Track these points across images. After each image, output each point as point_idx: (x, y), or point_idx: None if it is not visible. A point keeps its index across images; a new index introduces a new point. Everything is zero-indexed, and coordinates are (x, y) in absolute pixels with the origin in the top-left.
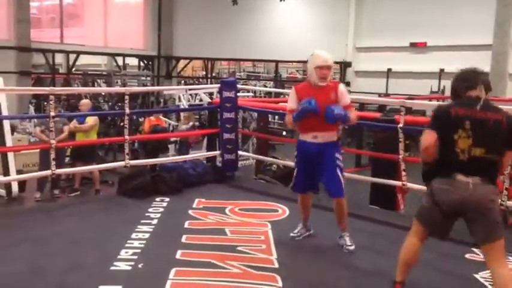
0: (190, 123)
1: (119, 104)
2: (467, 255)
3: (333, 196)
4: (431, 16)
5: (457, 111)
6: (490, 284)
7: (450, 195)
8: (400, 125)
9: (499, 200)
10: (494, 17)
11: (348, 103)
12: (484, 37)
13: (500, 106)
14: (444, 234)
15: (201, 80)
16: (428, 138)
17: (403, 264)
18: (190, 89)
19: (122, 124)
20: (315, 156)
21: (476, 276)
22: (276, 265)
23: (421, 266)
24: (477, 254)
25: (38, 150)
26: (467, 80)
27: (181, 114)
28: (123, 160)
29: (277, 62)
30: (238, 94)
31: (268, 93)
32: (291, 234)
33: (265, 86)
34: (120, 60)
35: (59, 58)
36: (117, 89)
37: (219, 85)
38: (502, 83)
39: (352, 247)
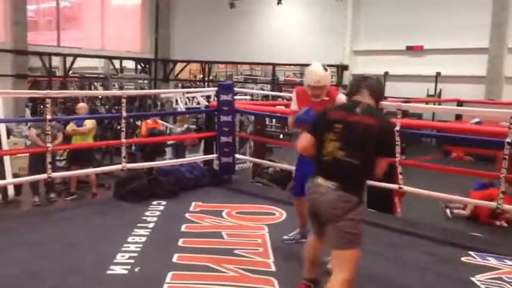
0: (185, 126)
1: (116, 107)
2: (463, 259)
3: None
4: (427, 19)
5: (333, 114)
6: (486, 287)
7: (310, 196)
8: (397, 128)
9: (359, 210)
10: (490, 20)
11: None
12: (480, 40)
13: (495, 110)
14: (319, 235)
15: (198, 83)
16: (303, 141)
17: (306, 262)
18: (187, 92)
19: (118, 127)
20: None
21: (473, 279)
22: (273, 268)
23: (418, 268)
24: (474, 258)
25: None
26: (352, 85)
27: (178, 117)
28: (120, 163)
29: (274, 65)
30: (235, 97)
31: (266, 97)
32: (284, 237)
33: (262, 89)
34: (117, 63)
35: (56, 61)
36: (113, 92)
37: (216, 88)
38: (497, 86)
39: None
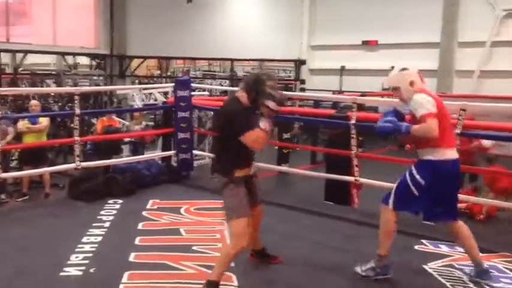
0: (143, 123)
1: (70, 105)
2: (416, 247)
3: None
4: (382, 15)
5: None
6: (438, 274)
7: None
8: (353, 121)
9: (231, 186)
10: (441, 15)
11: None
12: (432, 35)
13: (445, 102)
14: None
15: (155, 79)
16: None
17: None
18: (144, 89)
19: (72, 125)
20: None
21: (425, 267)
22: (232, 264)
23: (373, 257)
24: (426, 246)
25: None
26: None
27: (135, 114)
28: (74, 162)
29: (232, 60)
30: (193, 93)
31: (224, 92)
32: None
33: (221, 85)
34: (70, 59)
35: (6, 58)
36: (66, 89)
37: (173, 84)
38: (448, 79)
39: (363, 273)
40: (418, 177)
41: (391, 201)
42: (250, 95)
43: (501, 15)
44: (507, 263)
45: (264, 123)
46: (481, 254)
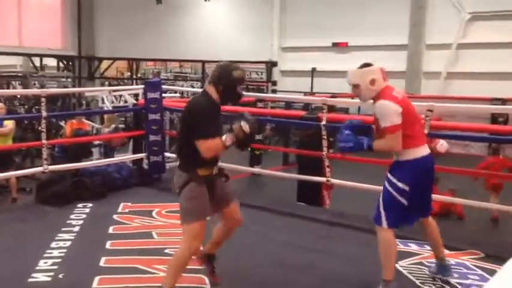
0: (112, 126)
1: (36, 107)
2: None
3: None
4: (351, 17)
5: None
6: (408, 272)
7: None
8: (323, 122)
9: (191, 186)
10: (409, 18)
11: None
12: (400, 38)
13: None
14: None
15: (126, 81)
16: None
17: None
18: (114, 91)
19: (39, 128)
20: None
21: (396, 265)
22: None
23: (345, 259)
24: (397, 244)
25: None
26: None
27: (105, 116)
28: (41, 166)
29: (203, 62)
30: (165, 95)
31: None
32: None
33: (192, 87)
34: (37, 61)
35: None
36: (32, 91)
37: (143, 86)
38: (417, 81)
39: None
40: (400, 185)
41: (383, 220)
42: (218, 87)
43: (466, 18)
44: (475, 260)
45: (229, 138)
46: (449, 252)
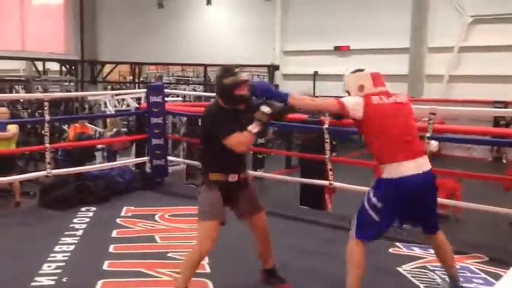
0: (114, 130)
1: (40, 111)
2: (391, 250)
3: None
4: (353, 21)
5: None
6: (412, 276)
7: None
8: (326, 126)
9: (203, 188)
10: (410, 22)
11: None
12: (402, 41)
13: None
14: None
15: (128, 85)
16: None
17: None
18: (116, 94)
19: (42, 132)
20: None
21: (399, 269)
22: (208, 270)
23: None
24: (400, 248)
25: None
26: None
27: (108, 120)
28: (45, 170)
29: (206, 65)
30: (167, 99)
31: (198, 97)
32: None
33: (194, 90)
34: (40, 65)
35: None
36: (35, 95)
37: (146, 90)
38: (419, 84)
39: None
40: (374, 200)
41: (353, 229)
42: (221, 97)
43: (468, 21)
44: (479, 264)
45: (253, 126)
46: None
